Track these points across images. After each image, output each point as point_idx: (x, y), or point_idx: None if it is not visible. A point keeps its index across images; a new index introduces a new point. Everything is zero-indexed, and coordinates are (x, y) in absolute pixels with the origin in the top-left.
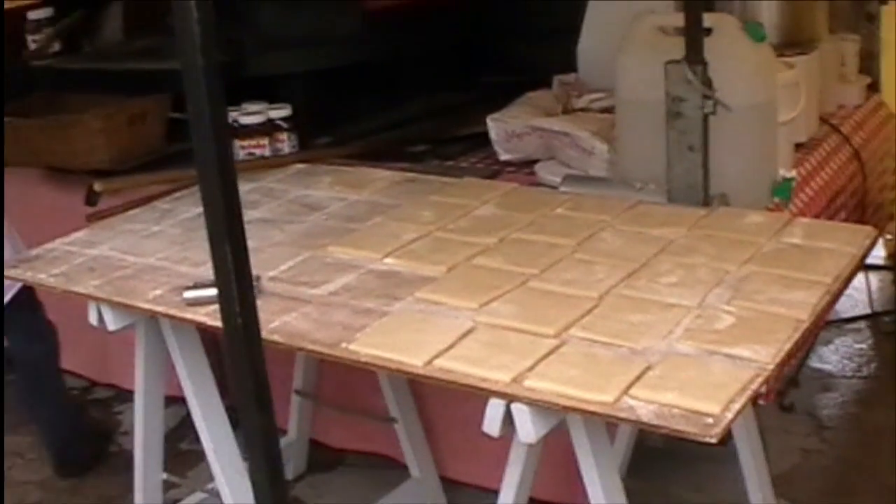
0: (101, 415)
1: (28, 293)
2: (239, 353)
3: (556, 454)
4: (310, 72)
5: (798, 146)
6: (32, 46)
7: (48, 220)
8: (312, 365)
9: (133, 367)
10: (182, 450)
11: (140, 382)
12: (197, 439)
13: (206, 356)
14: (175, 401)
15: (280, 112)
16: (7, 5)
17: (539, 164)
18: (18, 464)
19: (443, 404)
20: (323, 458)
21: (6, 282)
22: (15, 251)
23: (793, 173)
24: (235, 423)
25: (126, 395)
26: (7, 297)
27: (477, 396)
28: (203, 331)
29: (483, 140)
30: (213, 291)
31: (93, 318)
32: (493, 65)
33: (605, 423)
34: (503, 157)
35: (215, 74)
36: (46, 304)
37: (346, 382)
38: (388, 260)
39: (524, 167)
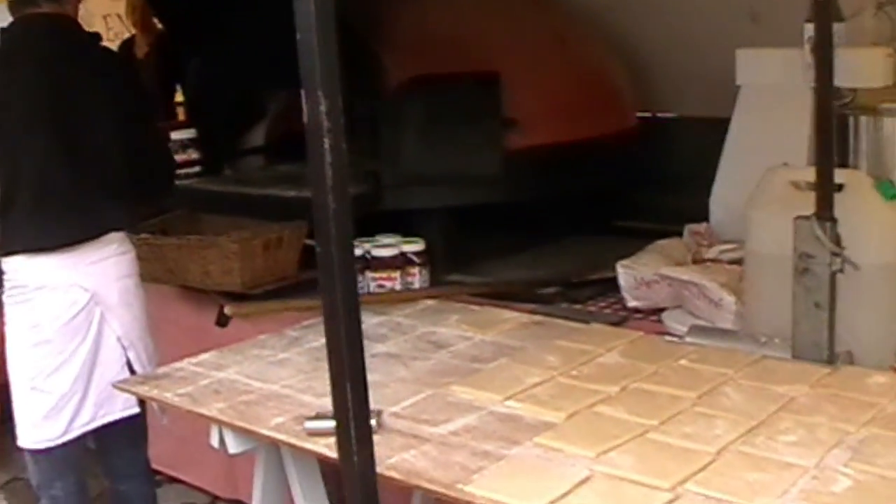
0: None
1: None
2: (354, 489)
3: None
4: (445, 208)
5: None
6: None
7: (179, 337)
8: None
9: None
10: None
11: None
12: None
13: (324, 485)
14: None
15: (413, 246)
16: None
17: (666, 312)
18: None
19: None
20: None
21: (129, 397)
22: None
23: None
24: None
25: None
26: (129, 413)
27: None
28: (322, 460)
29: (612, 285)
30: (333, 423)
31: (214, 441)
32: (626, 210)
33: None
34: (631, 303)
35: (346, 217)
36: (174, 415)
37: None
38: (509, 403)
39: (651, 314)
